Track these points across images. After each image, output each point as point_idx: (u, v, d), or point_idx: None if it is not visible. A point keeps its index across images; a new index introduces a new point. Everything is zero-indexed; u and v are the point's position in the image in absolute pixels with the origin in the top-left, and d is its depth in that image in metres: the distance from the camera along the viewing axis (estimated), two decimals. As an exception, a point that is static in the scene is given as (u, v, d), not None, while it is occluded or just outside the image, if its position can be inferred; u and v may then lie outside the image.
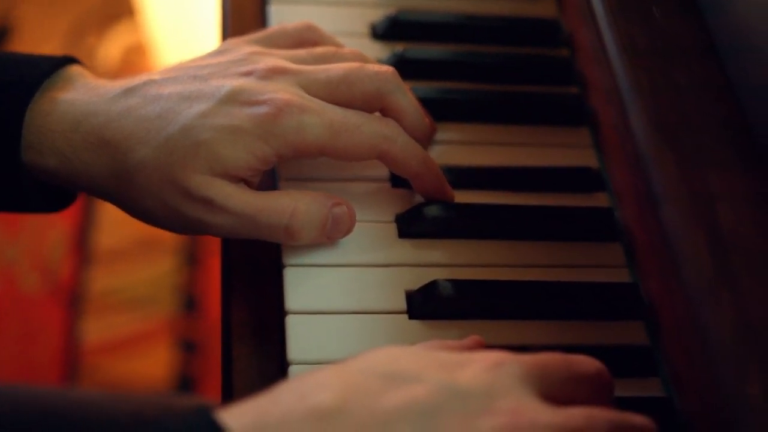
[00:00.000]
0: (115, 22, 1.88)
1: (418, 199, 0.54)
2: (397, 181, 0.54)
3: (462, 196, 0.54)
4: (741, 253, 0.37)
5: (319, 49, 0.53)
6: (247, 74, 0.50)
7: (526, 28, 0.63)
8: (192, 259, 1.54)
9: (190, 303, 1.50)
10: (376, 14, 0.63)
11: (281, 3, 0.62)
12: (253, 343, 0.49)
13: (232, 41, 0.53)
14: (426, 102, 0.57)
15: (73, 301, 1.50)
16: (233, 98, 0.48)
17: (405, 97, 0.52)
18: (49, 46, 1.84)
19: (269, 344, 0.49)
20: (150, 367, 1.47)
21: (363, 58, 0.53)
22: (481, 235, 0.53)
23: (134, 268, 1.56)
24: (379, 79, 0.51)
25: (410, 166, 0.51)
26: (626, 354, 0.49)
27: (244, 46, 0.52)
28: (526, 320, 0.50)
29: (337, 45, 0.55)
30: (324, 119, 0.48)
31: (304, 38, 0.54)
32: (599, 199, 0.55)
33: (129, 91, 0.50)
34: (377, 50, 0.61)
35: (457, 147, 0.57)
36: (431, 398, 0.37)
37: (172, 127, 0.48)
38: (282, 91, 0.49)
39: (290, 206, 0.48)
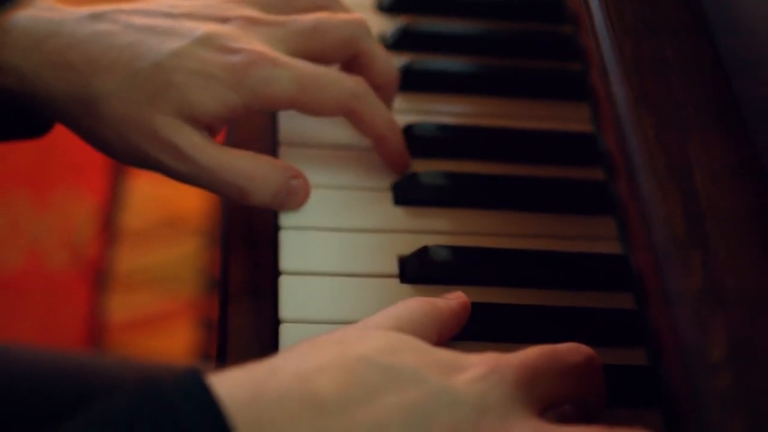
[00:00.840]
0: None
1: (415, 167, 0.54)
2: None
3: (459, 165, 0.55)
4: (716, 219, 0.37)
5: None
6: (223, 21, 0.50)
7: (531, 4, 0.64)
8: (216, 241, 1.56)
9: (213, 283, 1.51)
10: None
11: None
12: (249, 302, 0.50)
13: None
14: (430, 74, 0.58)
15: (98, 278, 1.53)
16: (208, 42, 0.49)
17: (375, 42, 0.53)
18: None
19: (264, 303, 0.50)
20: (172, 345, 1.49)
21: None
22: (477, 204, 0.53)
23: (160, 248, 1.58)
24: (349, 26, 0.52)
25: (376, 126, 0.52)
26: (613, 323, 0.49)
27: None
28: (517, 288, 0.51)
29: None
30: (294, 73, 0.49)
31: None
32: (596, 173, 0.56)
33: (97, 16, 0.50)
34: (381, 23, 0.62)
35: (459, 118, 0.58)
36: (425, 403, 0.38)
37: (143, 61, 0.48)
38: (257, 43, 0.49)
39: (250, 169, 0.49)
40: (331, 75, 0.50)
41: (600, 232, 0.53)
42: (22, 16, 0.49)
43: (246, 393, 0.36)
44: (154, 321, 1.51)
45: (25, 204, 1.56)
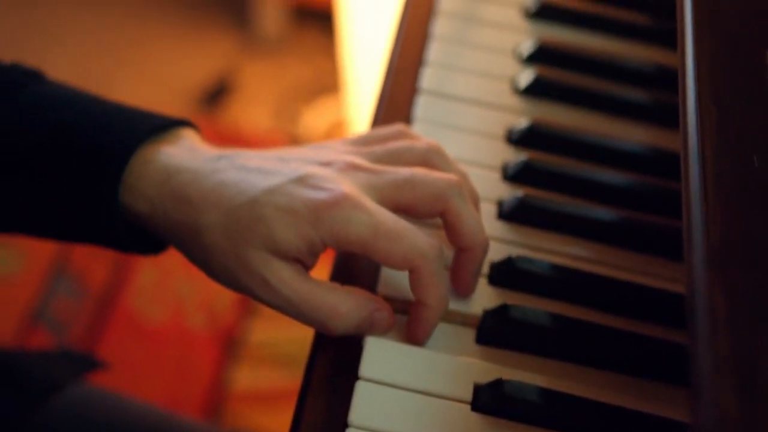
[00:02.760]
0: (323, 95, 1.99)
1: (509, 300, 0.55)
2: (494, 278, 0.56)
3: (553, 306, 0.55)
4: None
5: (393, 144, 0.56)
6: (325, 165, 0.53)
7: (657, 159, 0.64)
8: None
9: (335, 371, 1.52)
10: (517, 120, 0.66)
11: (429, 95, 0.66)
12: (325, 399, 0.52)
13: (331, 141, 0.57)
14: (542, 211, 0.59)
15: (229, 346, 1.57)
16: (301, 180, 0.51)
17: (465, 204, 0.53)
18: (261, 107, 1.97)
19: (339, 403, 0.52)
20: (286, 424, 1.50)
21: (437, 152, 0.55)
22: (563, 354, 0.54)
23: (291, 327, 1.61)
24: (441, 182, 0.53)
25: (426, 296, 0.52)
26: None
27: (337, 144, 0.56)
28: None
29: (415, 139, 0.57)
30: (372, 219, 0.50)
31: (393, 139, 0.57)
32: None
33: (221, 157, 0.54)
34: (510, 154, 0.64)
35: (563, 259, 0.58)
36: None
37: (242, 197, 0.52)
38: (348, 185, 0.51)
39: (332, 306, 0.51)
40: (407, 230, 0.51)
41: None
42: (164, 151, 0.55)
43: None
44: (273, 397, 1.54)
45: (176, 264, 1.63)
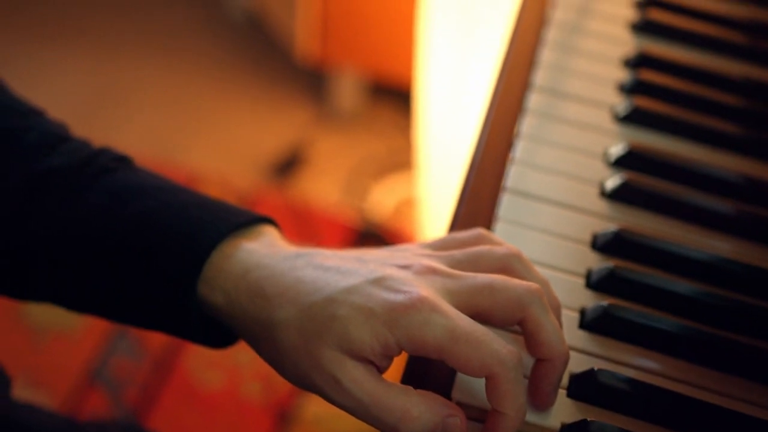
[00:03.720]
0: (394, 172, 1.99)
1: (588, 416, 0.53)
2: (574, 391, 0.54)
3: (632, 424, 0.53)
4: None
5: (473, 249, 0.55)
6: (403, 267, 0.53)
7: (746, 274, 0.62)
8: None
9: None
10: (603, 225, 0.64)
11: (514, 194, 0.65)
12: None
13: (410, 244, 0.57)
14: (624, 323, 0.57)
15: (282, 419, 1.56)
16: (379, 282, 0.51)
17: (545, 313, 0.51)
18: (331, 180, 1.98)
19: None
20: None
21: (517, 258, 0.54)
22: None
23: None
24: (521, 290, 0.51)
25: (503, 404, 0.49)
26: None
27: (415, 248, 0.56)
28: None
29: (497, 245, 0.56)
30: (450, 323, 0.49)
31: (472, 244, 0.56)
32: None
33: (299, 255, 0.54)
34: (594, 260, 0.62)
35: (646, 376, 0.56)
36: None
37: (318, 294, 0.51)
38: (425, 288, 0.50)
39: (403, 408, 0.49)
40: (486, 335, 0.50)
41: None
42: (244, 246, 0.55)
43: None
44: (323, 475, 1.52)
45: (236, 330, 1.63)
